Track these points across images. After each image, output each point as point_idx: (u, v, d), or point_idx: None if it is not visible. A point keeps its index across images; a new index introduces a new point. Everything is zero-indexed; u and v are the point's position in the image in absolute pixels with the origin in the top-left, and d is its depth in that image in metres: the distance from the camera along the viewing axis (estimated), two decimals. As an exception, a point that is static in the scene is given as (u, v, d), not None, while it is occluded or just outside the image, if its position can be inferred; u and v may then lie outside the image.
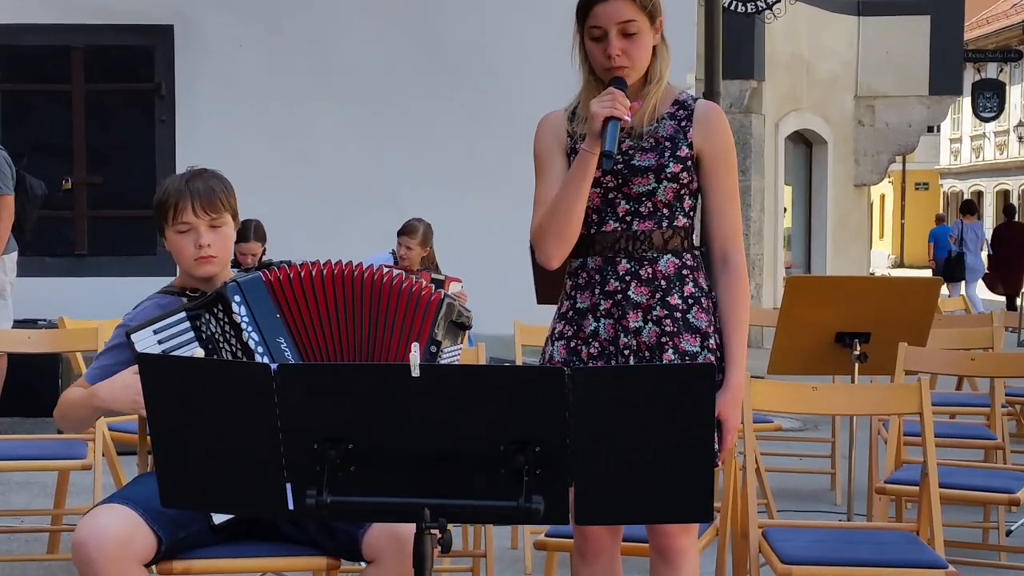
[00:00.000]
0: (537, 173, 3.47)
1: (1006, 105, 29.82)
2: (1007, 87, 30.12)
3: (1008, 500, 4.74)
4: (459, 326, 3.49)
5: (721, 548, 4.31)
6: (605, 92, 3.31)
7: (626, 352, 3.40)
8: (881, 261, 41.03)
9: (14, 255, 7.98)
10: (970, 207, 21.03)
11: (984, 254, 20.50)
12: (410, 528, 2.51)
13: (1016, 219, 22.91)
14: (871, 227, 27.51)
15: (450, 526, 2.47)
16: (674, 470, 2.49)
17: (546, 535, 4.01)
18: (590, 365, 3.41)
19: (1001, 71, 29.03)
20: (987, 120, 30.28)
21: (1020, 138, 39.79)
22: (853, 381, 5.33)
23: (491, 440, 2.43)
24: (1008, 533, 5.67)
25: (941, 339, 5.98)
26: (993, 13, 39.25)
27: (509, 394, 2.43)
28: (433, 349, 3.42)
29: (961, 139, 45.06)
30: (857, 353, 5.29)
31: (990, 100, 27.58)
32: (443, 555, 2.50)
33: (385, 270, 3.47)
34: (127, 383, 3.33)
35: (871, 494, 5.35)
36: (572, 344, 3.46)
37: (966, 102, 30.93)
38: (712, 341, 3.41)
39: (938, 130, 41.02)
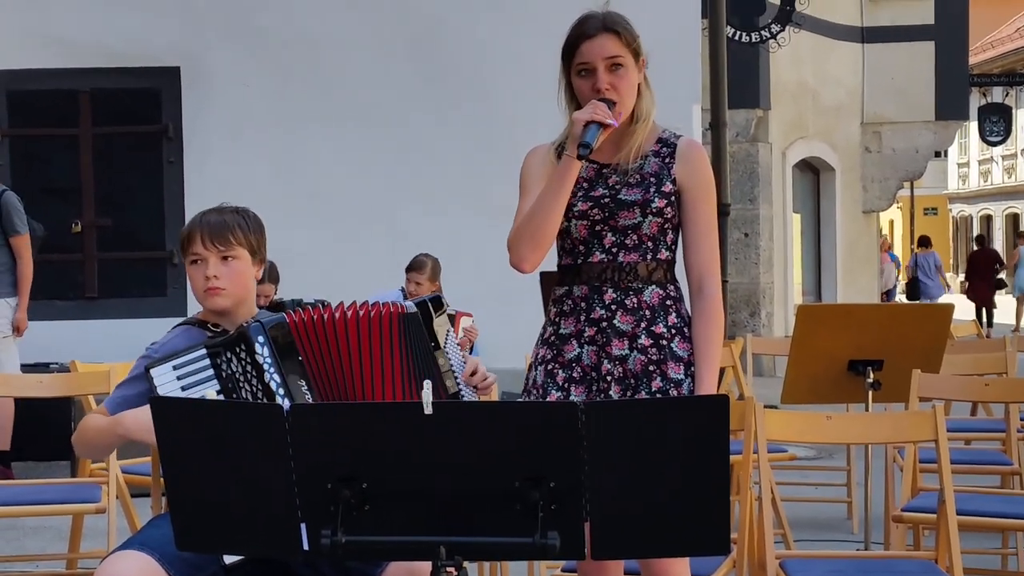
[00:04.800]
0: (521, 194, 3.58)
1: (1013, 128, 29.77)
2: (1013, 111, 30.01)
3: (1026, 526, 4.72)
4: None
5: (739, 580, 4.28)
6: (588, 104, 3.44)
7: (608, 379, 3.49)
8: (891, 287, 40.90)
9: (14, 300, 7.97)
10: (925, 241, 23.33)
11: (940, 279, 22.83)
12: (426, 566, 2.50)
13: (987, 246, 26.63)
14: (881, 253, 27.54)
15: (466, 563, 2.46)
16: (690, 502, 2.48)
17: (562, 570, 3.99)
18: (568, 389, 3.52)
19: (1007, 95, 28.92)
20: (994, 144, 30.29)
21: (1028, 161, 39.76)
22: (867, 409, 5.31)
23: (506, 476, 2.42)
24: (1027, 559, 5.63)
25: (954, 365, 5.96)
26: (998, 37, 39.28)
27: (523, 429, 2.42)
28: None
29: (969, 163, 45.02)
30: (870, 381, 5.28)
31: (996, 124, 27.56)
32: (459, 593, 2.49)
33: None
34: None
35: (888, 522, 5.32)
36: (550, 367, 3.57)
37: (973, 126, 30.93)
38: (694, 369, 3.52)
39: (945, 155, 41.01)
